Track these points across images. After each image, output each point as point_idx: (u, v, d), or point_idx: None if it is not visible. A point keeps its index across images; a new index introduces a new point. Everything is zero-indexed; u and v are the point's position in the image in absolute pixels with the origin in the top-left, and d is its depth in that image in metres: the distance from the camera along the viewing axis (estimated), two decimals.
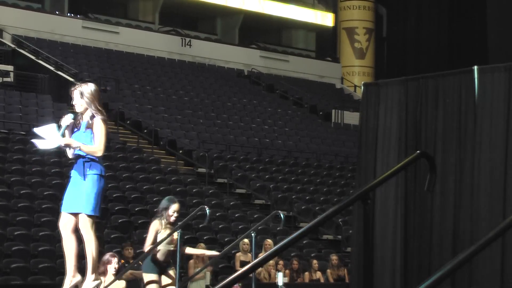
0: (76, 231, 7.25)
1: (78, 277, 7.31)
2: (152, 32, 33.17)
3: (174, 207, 9.36)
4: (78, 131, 7.26)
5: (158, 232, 9.28)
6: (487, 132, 11.21)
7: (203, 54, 33.19)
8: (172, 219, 9.31)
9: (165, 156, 22.93)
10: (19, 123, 21.25)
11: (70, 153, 7.28)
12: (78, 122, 7.30)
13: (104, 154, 7.36)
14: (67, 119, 7.28)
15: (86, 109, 7.27)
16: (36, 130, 7.25)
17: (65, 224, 7.28)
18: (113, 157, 20.43)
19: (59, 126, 7.27)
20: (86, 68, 28.00)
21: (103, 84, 26.52)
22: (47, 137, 7.19)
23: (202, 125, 25.76)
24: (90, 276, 7.26)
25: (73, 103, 7.34)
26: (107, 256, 10.70)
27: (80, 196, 7.15)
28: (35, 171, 18.08)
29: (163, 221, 9.32)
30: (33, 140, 7.34)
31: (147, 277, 9.43)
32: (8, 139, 19.89)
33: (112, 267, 10.55)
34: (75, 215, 7.22)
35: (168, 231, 9.27)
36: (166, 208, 9.34)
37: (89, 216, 7.16)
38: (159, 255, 9.37)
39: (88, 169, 7.15)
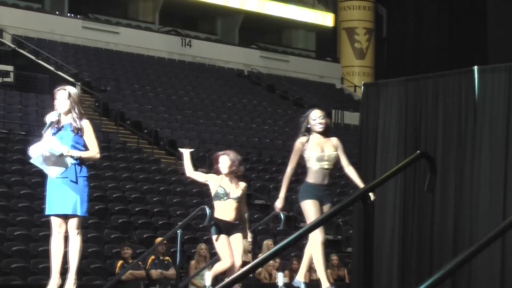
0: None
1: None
2: (152, 32, 33.15)
3: (313, 113, 8.28)
4: (61, 131, 7.35)
5: (302, 151, 8.33)
6: (487, 132, 11.19)
7: (203, 54, 33.17)
8: (317, 126, 8.28)
9: (165, 156, 22.92)
10: (19, 123, 21.23)
11: (54, 172, 7.27)
12: (59, 121, 7.39)
13: (104, 154, 7.45)
14: (53, 116, 7.39)
15: (69, 110, 7.35)
16: (33, 150, 7.26)
17: (59, 225, 7.38)
18: (113, 157, 20.39)
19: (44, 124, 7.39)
20: (86, 68, 27.99)
21: (103, 84, 26.53)
22: (49, 152, 7.21)
23: (202, 125, 25.74)
24: (73, 276, 7.30)
25: (58, 103, 7.39)
26: (221, 154, 9.76)
27: (74, 198, 7.28)
28: (35, 171, 18.01)
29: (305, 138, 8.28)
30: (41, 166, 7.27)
31: (302, 204, 8.24)
32: (8, 139, 19.88)
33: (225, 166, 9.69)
34: (65, 216, 7.33)
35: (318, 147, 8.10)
36: (305, 119, 8.30)
37: (82, 217, 7.36)
38: (312, 180, 8.26)
39: (80, 172, 7.33)
